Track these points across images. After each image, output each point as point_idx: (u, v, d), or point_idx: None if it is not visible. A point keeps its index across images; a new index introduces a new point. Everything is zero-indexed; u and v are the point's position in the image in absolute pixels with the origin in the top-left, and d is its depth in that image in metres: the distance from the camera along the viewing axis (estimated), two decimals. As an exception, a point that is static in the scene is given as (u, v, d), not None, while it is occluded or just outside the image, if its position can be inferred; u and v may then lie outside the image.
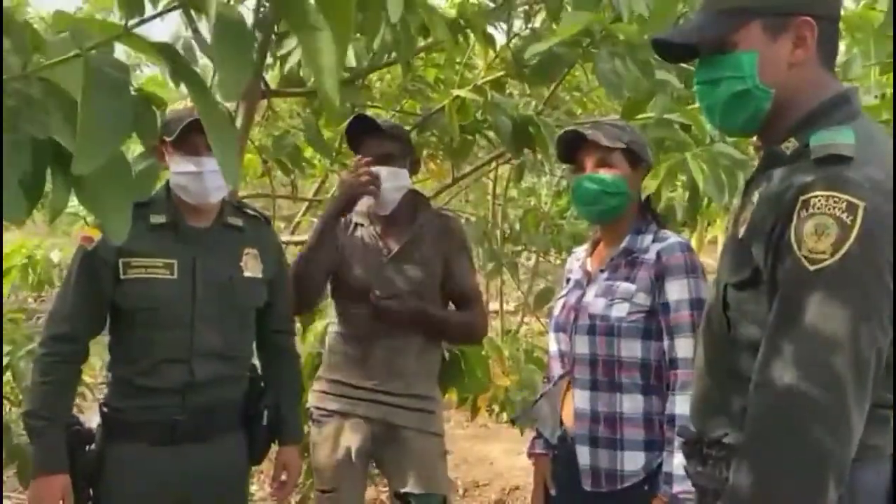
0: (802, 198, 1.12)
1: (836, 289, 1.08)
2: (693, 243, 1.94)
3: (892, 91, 1.88)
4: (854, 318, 1.08)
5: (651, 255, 1.85)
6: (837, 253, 1.08)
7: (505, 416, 3.58)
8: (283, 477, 2.10)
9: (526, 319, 5.93)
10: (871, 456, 1.17)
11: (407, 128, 2.53)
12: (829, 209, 1.09)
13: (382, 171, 2.16)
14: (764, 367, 1.14)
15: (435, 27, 1.97)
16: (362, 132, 2.20)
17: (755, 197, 1.23)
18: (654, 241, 1.87)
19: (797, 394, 1.09)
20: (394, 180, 2.19)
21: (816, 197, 1.10)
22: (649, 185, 1.85)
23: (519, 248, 4.88)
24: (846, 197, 1.09)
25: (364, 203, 2.29)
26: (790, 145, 1.21)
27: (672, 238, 1.88)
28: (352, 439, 2.22)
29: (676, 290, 1.80)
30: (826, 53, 1.25)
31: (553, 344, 1.98)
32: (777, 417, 1.11)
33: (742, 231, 1.23)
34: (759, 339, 1.16)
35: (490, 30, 2.48)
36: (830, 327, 1.08)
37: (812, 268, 1.09)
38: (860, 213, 1.08)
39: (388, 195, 2.19)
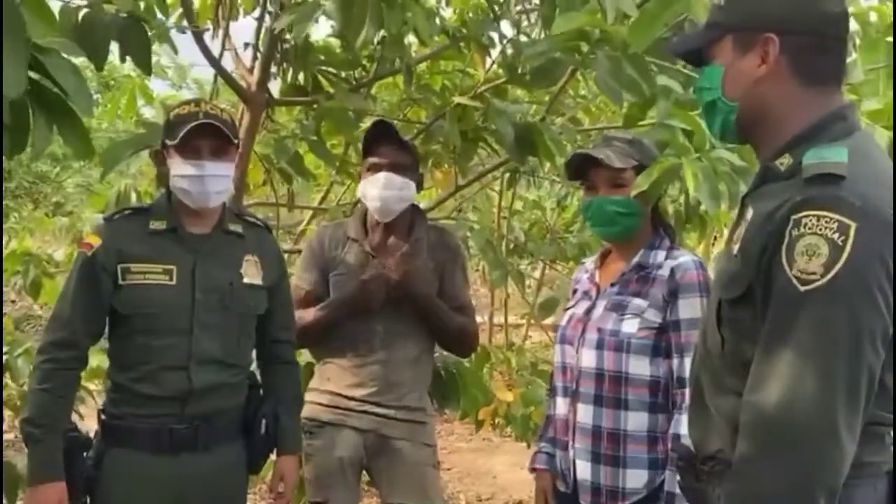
0: (794, 217, 1.11)
1: (826, 309, 1.08)
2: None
3: (893, 95, 1.85)
4: (844, 339, 1.07)
5: (664, 272, 1.84)
6: (828, 273, 1.07)
7: (509, 429, 3.55)
8: (281, 487, 2.07)
9: (531, 332, 5.91)
10: (867, 473, 1.16)
11: (409, 136, 2.52)
12: (820, 229, 1.08)
13: (396, 179, 2.17)
14: (754, 385, 1.13)
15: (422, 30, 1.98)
16: (379, 138, 2.21)
17: (749, 213, 1.22)
18: (667, 257, 1.87)
19: (787, 413, 1.08)
20: (402, 190, 2.20)
21: (808, 216, 1.10)
22: (640, 182, 1.83)
23: (525, 260, 4.86)
24: (837, 217, 1.08)
25: (359, 216, 2.30)
26: (785, 162, 1.21)
27: (686, 255, 1.88)
28: (344, 450, 2.21)
29: (688, 309, 1.79)
30: (805, 70, 1.22)
31: (558, 356, 1.96)
32: (767, 436, 1.11)
33: (736, 247, 1.22)
34: (752, 356, 1.15)
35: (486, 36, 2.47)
36: (821, 348, 1.08)
37: (803, 288, 1.09)
38: (852, 233, 1.07)
39: (393, 205, 2.20)
